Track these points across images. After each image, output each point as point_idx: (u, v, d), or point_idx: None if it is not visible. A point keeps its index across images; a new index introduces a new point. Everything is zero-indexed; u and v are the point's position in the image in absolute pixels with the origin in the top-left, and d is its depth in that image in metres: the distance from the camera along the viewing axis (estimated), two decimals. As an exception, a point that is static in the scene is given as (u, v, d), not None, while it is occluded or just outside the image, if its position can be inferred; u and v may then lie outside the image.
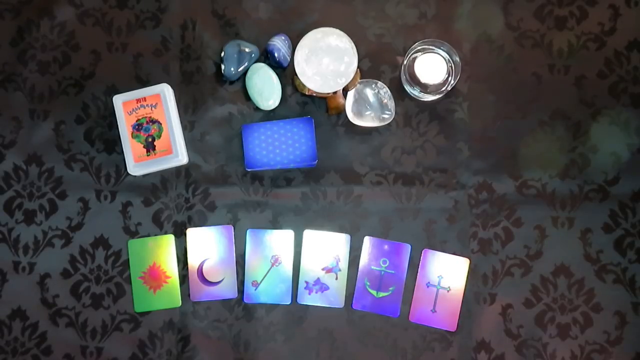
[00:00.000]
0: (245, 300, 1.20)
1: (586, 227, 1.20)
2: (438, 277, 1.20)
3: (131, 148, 1.17)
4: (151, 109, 1.17)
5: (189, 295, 1.20)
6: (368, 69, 1.23)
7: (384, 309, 1.20)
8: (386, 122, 1.21)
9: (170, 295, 1.20)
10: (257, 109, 1.23)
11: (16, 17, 1.24)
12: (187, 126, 1.23)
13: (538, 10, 1.24)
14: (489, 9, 1.24)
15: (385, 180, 1.22)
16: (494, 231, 1.21)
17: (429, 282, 1.20)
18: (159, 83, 1.19)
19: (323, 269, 1.20)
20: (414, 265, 1.20)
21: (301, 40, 1.13)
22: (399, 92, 1.23)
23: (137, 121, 1.17)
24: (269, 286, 1.20)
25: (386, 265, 1.20)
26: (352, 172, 1.22)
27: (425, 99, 1.22)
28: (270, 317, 1.20)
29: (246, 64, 1.21)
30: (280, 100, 1.22)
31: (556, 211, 1.21)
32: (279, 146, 1.18)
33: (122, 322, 1.20)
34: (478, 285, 1.20)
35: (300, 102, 1.23)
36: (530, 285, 1.20)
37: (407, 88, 1.21)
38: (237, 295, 1.20)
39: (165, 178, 1.22)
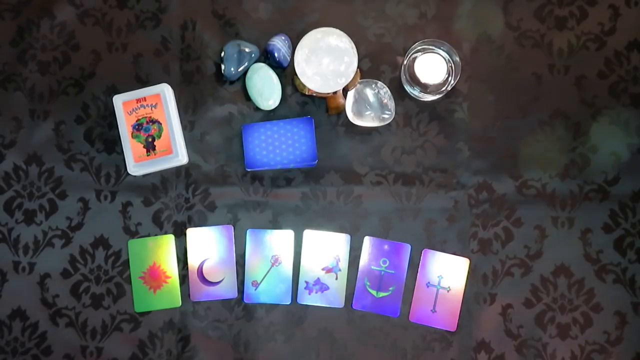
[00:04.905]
0: (245, 300, 1.20)
1: (586, 227, 1.20)
2: (438, 277, 1.20)
3: (131, 148, 1.17)
4: (151, 109, 1.17)
5: (189, 295, 1.20)
6: (368, 69, 1.23)
7: (384, 309, 1.20)
8: (386, 122, 1.21)
9: (170, 295, 1.20)
10: (257, 109, 1.23)
11: (16, 17, 1.24)
12: (187, 126, 1.23)
13: (538, 10, 1.24)
14: (489, 9, 1.24)
15: (385, 180, 1.22)
16: (494, 231, 1.21)
17: (429, 282, 1.20)
18: (159, 83, 1.19)
19: (323, 269, 1.20)
20: (414, 265, 1.20)
21: (301, 40, 1.13)
22: (399, 92, 1.23)
23: (137, 121, 1.17)
24: (269, 286, 1.20)
25: (386, 265, 1.20)
26: (352, 172, 1.22)
27: (425, 99, 1.22)
28: (270, 317, 1.20)
29: (246, 64, 1.21)
30: (280, 100, 1.22)
31: (556, 211, 1.21)
32: (279, 146, 1.18)
33: (122, 322, 1.20)
34: (478, 285, 1.20)
35: (300, 102, 1.23)
36: (530, 285, 1.20)
37: (407, 88, 1.21)
38: (237, 295, 1.20)
39: (165, 178, 1.22)
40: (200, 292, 1.20)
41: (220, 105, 1.23)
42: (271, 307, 1.20)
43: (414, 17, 1.24)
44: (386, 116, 1.21)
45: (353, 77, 1.14)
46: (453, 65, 1.18)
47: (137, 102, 1.17)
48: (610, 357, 1.19)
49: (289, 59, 1.22)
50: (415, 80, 1.19)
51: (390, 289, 1.20)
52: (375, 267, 1.20)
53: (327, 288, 1.20)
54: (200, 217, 1.21)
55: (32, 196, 1.22)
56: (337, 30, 1.13)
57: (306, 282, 1.20)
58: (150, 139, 1.17)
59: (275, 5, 1.24)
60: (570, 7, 1.24)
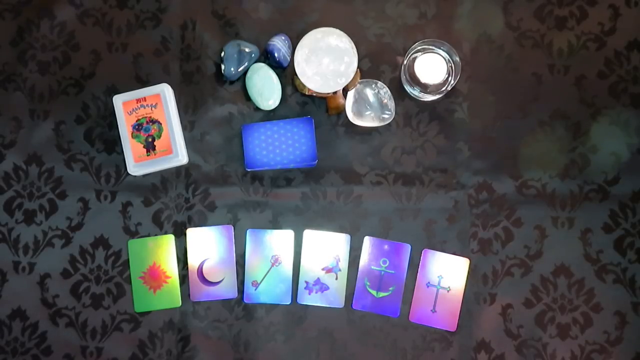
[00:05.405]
0: (245, 300, 1.20)
1: (586, 227, 1.20)
2: (438, 277, 1.20)
3: (131, 148, 1.17)
4: (151, 109, 1.17)
5: (189, 295, 1.20)
6: (368, 69, 1.23)
7: (384, 309, 1.20)
8: (386, 122, 1.21)
9: (170, 295, 1.20)
10: (257, 109, 1.23)
11: (16, 17, 1.24)
12: (187, 126, 1.23)
13: (538, 10, 1.24)
14: (489, 9, 1.24)
15: (385, 180, 1.22)
16: (494, 231, 1.21)
17: (429, 282, 1.20)
18: (159, 83, 1.19)
19: (323, 269, 1.20)
20: (414, 265, 1.20)
21: (301, 40, 1.13)
22: (399, 92, 1.23)
23: (137, 121, 1.17)
24: (269, 286, 1.20)
25: (386, 265, 1.20)
26: (352, 172, 1.22)
27: (425, 99, 1.22)
28: (270, 317, 1.20)
29: (246, 64, 1.21)
30: (280, 100, 1.22)
31: (556, 211, 1.21)
32: (279, 146, 1.18)
33: (122, 322, 1.20)
34: (478, 285, 1.20)
35: (300, 102, 1.23)
36: (530, 285, 1.20)
37: (407, 88, 1.21)
38: (237, 295, 1.20)
39: (165, 178, 1.22)
40: (200, 292, 1.20)
41: (220, 105, 1.23)
42: (271, 307, 1.20)
43: (414, 17, 1.24)
44: (386, 116, 1.21)
45: (353, 77, 1.14)
46: (453, 65, 1.18)
47: (137, 102, 1.17)
48: (610, 357, 1.19)
49: (289, 59, 1.22)
50: (415, 80, 1.19)
51: (390, 289, 1.20)
52: (375, 267, 1.20)
53: (327, 288, 1.20)
54: (200, 217, 1.21)
55: (32, 196, 1.22)
56: (337, 30, 1.13)
57: (306, 282, 1.20)
58: (150, 139, 1.17)
59: (275, 5, 1.24)
60: (570, 7, 1.24)
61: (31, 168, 1.22)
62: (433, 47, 1.19)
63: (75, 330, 1.20)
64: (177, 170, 1.22)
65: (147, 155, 1.17)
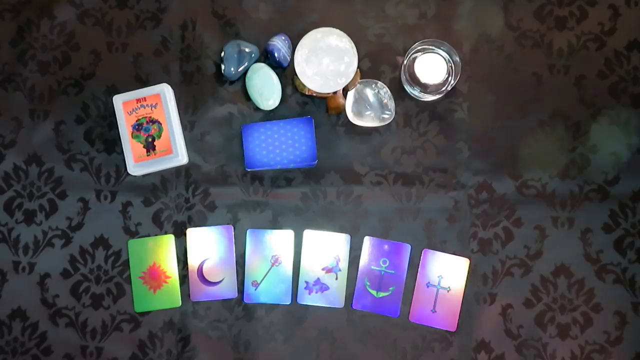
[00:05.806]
0: (245, 300, 1.20)
1: (586, 227, 1.20)
2: (438, 277, 1.20)
3: (131, 148, 1.17)
4: (151, 109, 1.17)
5: (189, 295, 1.20)
6: (368, 69, 1.23)
7: (384, 309, 1.20)
8: (386, 122, 1.21)
9: (170, 295, 1.20)
10: (257, 109, 1.23)
11: (16, 17, 1.24)
12: (187, 126, 1.23)
13: (538, 10, 1.24)
14: (489, 9, 1.24)
15: (385, 180, 1.22)
16: (494, 231, 1.21)
17: (429, 282, 1.20)
18: (159, 83, 1.19)
19: (323, 269, 1.20)
20: (414, 265, 1.20)
21: (301, 40, 1.13)
22: (399, 92, 1.23)
23: (137, 121, 1.17)
24: (269, 286, 1.20)
25: (386, 265, 1.20)
26: (352, 172, 1.22)
27: (425, 99, 1.22)
28: (270, 317, 1.20)
29: (246, 64, 1.21)
30: (280, 100, 1.22)
31: (556, 211, 1.21)
32: (279, 146, 1.18)
33: (122, 322, 1.20)
34: (478, 285, 1.20)
35: (300, 102, 1.23)
36: (530, 285, 1.20)
37: (407, 88, 1.21)
38: (237, 295, 1.20)
39: (165, 178, 1.22)
40: (200, 292, 1.20)
41: (220, 105, 1.23)
42: (271, 307, 1.20)
43: (414, 17, 1.24)
44: (386, 116, 1.21)
45: (353, 77, 1.14)
46: (453, 65, 1.18)
47: (137, 102, 1.17)
48: (610, 357, 1.19)
49: (289, 59, 1.22)
50: (415, 80, 1.19)
51: (390, 289, 1.20)
52: (375, 267, 1.20)
53: (327, 288, 1.20)
54: (200, 217, 1.21)
55: (32, 196, 1.22)
56: (337, 30, 1.13)
57: (306, 282, 1.20)
58: (150, 139, 1.17)
59: (275, 5, 1.24)
60: (570, 7, 1.24)
61: (31, 168, 1.22)
62: (433, 47, 1.19)
63: (75, 330, 1.20)
64: (177, 170, 1.22)
65: (147, 155, 1.17)
